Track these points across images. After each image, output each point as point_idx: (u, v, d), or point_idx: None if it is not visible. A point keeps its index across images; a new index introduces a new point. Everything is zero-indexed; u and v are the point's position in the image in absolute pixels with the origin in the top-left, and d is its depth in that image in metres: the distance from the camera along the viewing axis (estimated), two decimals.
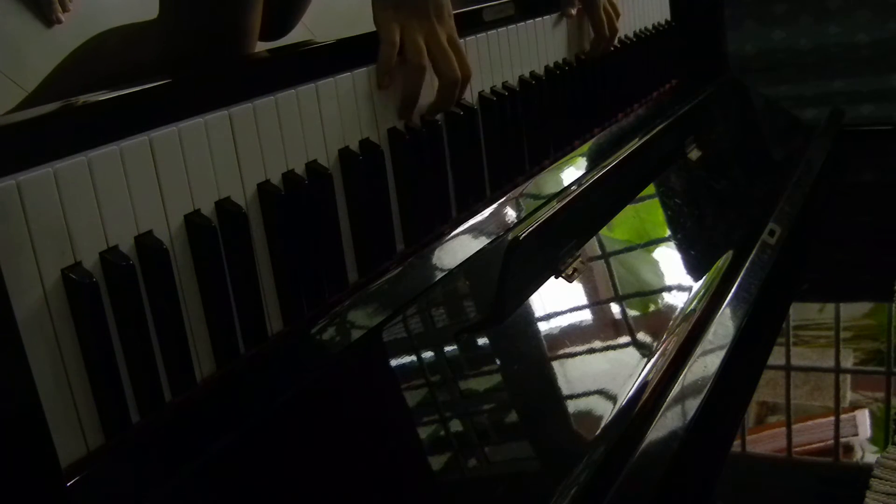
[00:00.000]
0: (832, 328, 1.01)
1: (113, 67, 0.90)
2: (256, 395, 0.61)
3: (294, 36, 1.01)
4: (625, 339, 0.85)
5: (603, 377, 0.77)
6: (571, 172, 1.04)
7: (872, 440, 0.78)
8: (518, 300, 0.79)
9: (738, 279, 0.94)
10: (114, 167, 0.54)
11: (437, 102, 0.82)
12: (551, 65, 1.07)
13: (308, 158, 0.69)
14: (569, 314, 0.82)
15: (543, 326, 0.79)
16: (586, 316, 0.84)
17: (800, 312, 1.04)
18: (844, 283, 1.12)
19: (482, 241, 0.84)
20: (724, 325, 0.86)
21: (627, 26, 1.29)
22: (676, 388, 0.75)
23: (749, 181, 1.33)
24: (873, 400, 0.84)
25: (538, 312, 0.80)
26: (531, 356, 0.76)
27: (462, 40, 0.85)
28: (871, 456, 0.75)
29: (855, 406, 0.83)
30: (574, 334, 0.80)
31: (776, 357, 0.93)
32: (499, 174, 0.94)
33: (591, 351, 0.80)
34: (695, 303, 0.91)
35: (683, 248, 1.04)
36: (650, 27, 1.38)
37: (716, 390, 0.76)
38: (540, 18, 1.05)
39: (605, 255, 0.93)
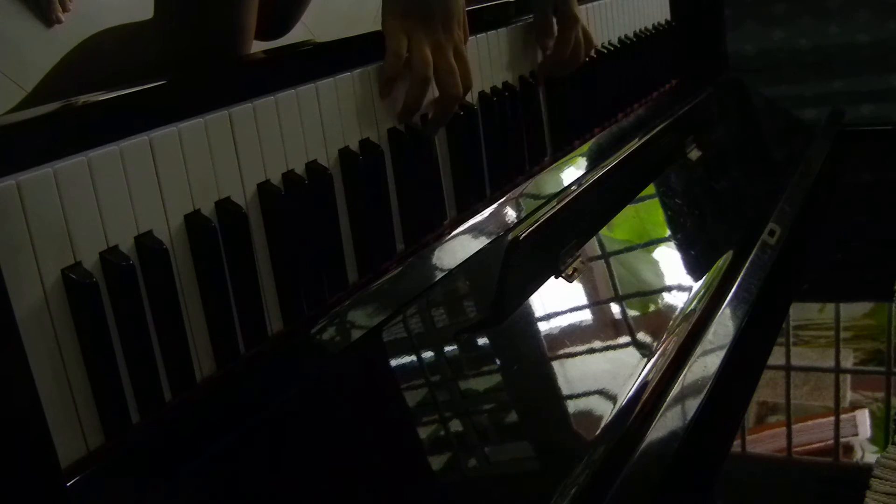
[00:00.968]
0: (832, 328, 1.01)
1: (109, 68, 0.90)
2: (256, 395, 0.61)
3: (294, 36, 1.01)
4: (625, 339, 0.85)
5: (603, 377, 0.77)
6: (571, 172, 1.04)
7: (872, 440, 0.78)
8: (518, 300, 0.79)
9: (738, 279, 0.94)
10: (114, 167, 0.54)
11: (436, 116, 0.81)
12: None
13: (308, 158, 0.69)
14: (569, 314, 0.82)
15: (543, 326, 0.79)
16: (586, 316, 0.84)
17: (800, 312, 1.04)
18: (844, 283, 1.12)
19: (482, 241, 0.84)
20: (724, 325, 0.86)
21: (627, 26, 1.29)
22: (676, 388, 0.75)
23: (749, 181, 1.33)
24: (873, 400, 0.84)
25: (538, 312, 0.80)
26: (531, 356, 0.76)
27: None
28: (871, 456, 0.75)
29: (855, 406, 0.83)
30: (574, 334, 0.80)
31: (776, 357, 0.93)
32: (499, 174, 0.94)
33: (591, 351, 0.80)
34: (695, 303, 0.91)
35: (683, 248, 1.04)
36: (650, 27, 1.38)
37: (716, 390, 0.76)
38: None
39: (605, 255, 0.93)
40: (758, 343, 0.93)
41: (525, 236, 0.78)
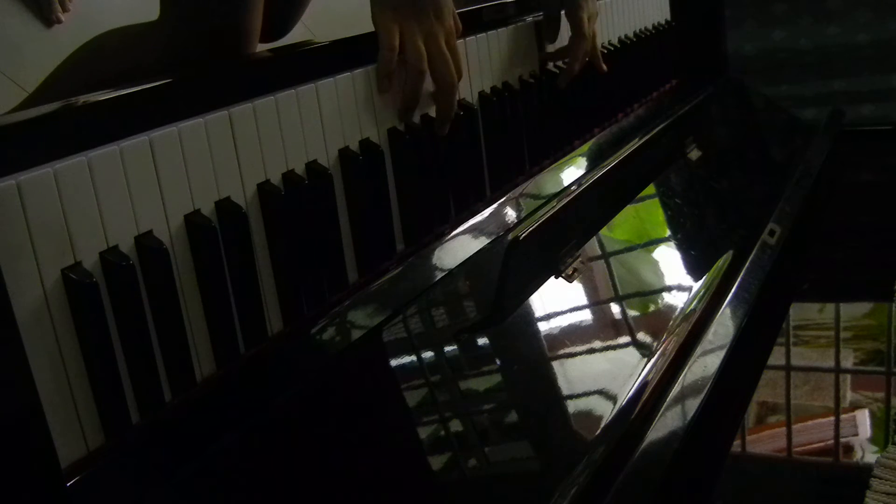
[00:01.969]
0: (832, 328, 1.01)
1: (114, 69, 0.90)
2: (256, 395, 0.61)
3: (294, 36, 1.02)
4: (625, 339, 0.85)
5: (603, 377, 0.77)
6: (571, 172, 1.04)
7: (872, 440, 0.78)
8: (518, 300, 0.79)
9: (738, 279, 0.94)
10: (114, 167, 0.54)
11: (440, 111, 0.81)
12: (551, 65, 1.07)
13: (308, 158, 0.69)
14: (569, 314, 0.82)
15: (543, 326, 0.79)
16: (586, 316, 0.84)
17: (800, 312, 1.04)
18: (844, 283, 1.12)
19: (482, 241, 0.84)
20: (724, 325, 0.86)
21: (627, 26, 1.29)
22: (676, 388, 0.75)
23: (749, 181, 1.33)
24: (873, 400, 0.84)
25: (538, 312, 0.80)
26: (531, 356, 0.76)
27: (462, 40, 0.85)
28: (871, 456, 0.75)
29: (855, 406, 0.83)
30: (574, 334, 0.80)
31: (776, 357, 0.93)
32: (499, 174, 0.94)
33: (591, 351, 0.80)
34: (695, 303, 0.91)
35: (683, 248, 1.04)
36: (650, 27, 1.38)
37: (716, 390, 0.76)
38: (540, 18, 1.05)
39: (605, 255, 0.93)
40: (758, 343, 0.93)
41: (525, 236, 0.78)
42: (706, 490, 0.73)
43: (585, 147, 1.10)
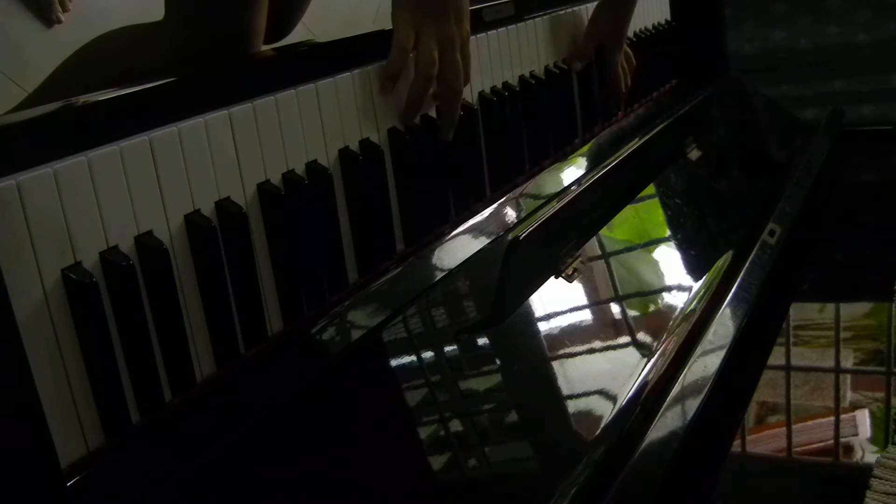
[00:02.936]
0: (832, 328, 1.01)
1: (116, 69, 0.90)
2: (256, 395, 0.61)
3: (294, 36, 1.01)
4: (625, 339, 0.85)
5: (603, 377, 0.77)
6: (571, 172, 1.04)
7: (872, 440, 0.78)
8: (518, 300, 0.79)
9: (738, 279, 0.94)
10: (114, 167, 0.54)
11: (444, 115, 0.80)
12: (551, 65, 1.07)
13: (308, 158, 0.69)
14: (569, 314, 0.82)
15: (543, 326, 0.79)
16: (586, 316, 0.84)
17: (800, 312, 1.04)
18: (844, 283, 1.12)
19: (482, 241, 0.84)
20: (724, 325, 0.86)
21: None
22: (676, 388, 0.75)
23: (749, 181, 1.33)
24: (873, 400, 0.84)
25: (538, 312, 0.80)
26: (531, 356, 0.76)
27: None
28: (871, 456, 0.75)
29: (855, 406, 0.83)
30: (574, 334, 0.80)
31: (776, 357, 0.93)
32: (499, 174, 0.94)
33: (591, 351, 0.80)
34: (695, 303, 0.91)
35: (683, 248, 1.04)
36: (650, 27, 1.38)
37: (716, 390, 0.76)
38: (540, 18, 1.05)
39: (605, 255, 0.93)
40: (758, 343, 0.93)
41: (525, 236, 0.78)
42: (706, 490, 0.73)
43: (585, 147, 1.10)
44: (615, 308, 0.89)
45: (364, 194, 0.74)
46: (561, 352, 0.78)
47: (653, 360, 0.80)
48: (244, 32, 0.88)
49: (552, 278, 0.83)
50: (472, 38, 0.90)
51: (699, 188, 1.20)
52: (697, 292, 0.94)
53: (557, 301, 0.82)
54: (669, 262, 1.01)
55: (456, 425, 0.67)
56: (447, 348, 0.72)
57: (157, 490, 0.52)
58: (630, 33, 1.29)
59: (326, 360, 0.67)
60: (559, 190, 0.98)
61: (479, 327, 0.75)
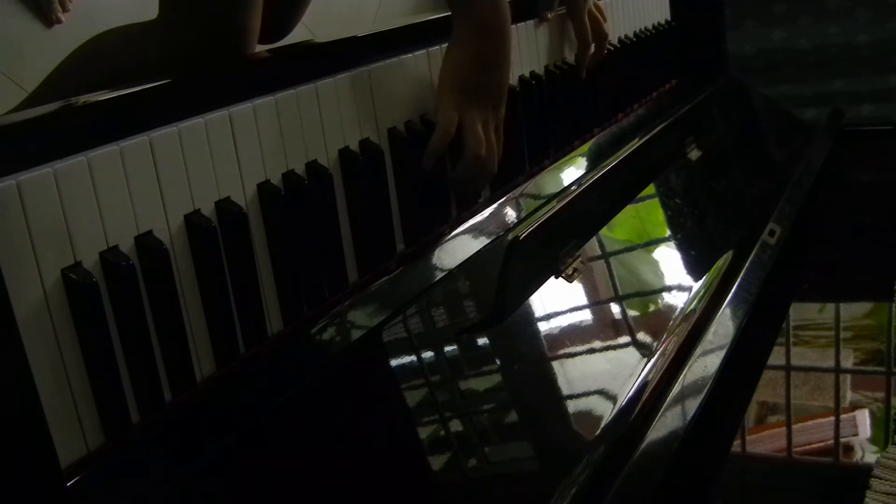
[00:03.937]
0: (832, 328, 1.01)
1: (113, 68, 0.90)
2: (256, 395, 0.61)
3: (294, 36, 1.01)
4: (625, 339, 0.85)
5: (603, 377, 0.77)
6: (571, 172, 1.04)
7: (872, 440, 0.78)
8: (518, 300, 0.79)
9: (738, 279, 0.94)
10: (114, 167, 0.54)
11: (466, 177, 0.82)
12: (551, 65, 1.07)
13: (308, 158, 0.69)
14: (569, 314, 0.82)
15: (543, 326, 0.79)
16: (586, 316, 0.84)
17: (800, 312, 1.04)
18: (844, 283, 1.12)
19: (482, 241, 0.84)
20: (724, 325, 0.86)
21: (627, 26, 1.29)
22: (676, 388, 0.75)
23: (749, 181, 1.33)
24: (873, 400, 0.84)
25: (538, 312, 0.80)
26: (531, 356, 0.76)
27: None
28: (871, 456, 0.75)
29: (855, 406, 0.83)
30: (574, 334, 0.80)
31: (776, 357, 0.93)
32: (499, 174, 0.93)
33: (591, 351, 0.80)
34: (695, 303, 0.91)
35: (683, 248, 1.04)
36: (650, 27, 1.38)
37: (716, 390, 0.76)
38: (539, 18, 1.05)
39: (605, 255, 0.93)
40: (758, 343, 0.93)
41: (525, 236, 0.78)
42: (706, 490, 0.73)
43: (585, 147, 1.10)
44: (615, 308, 0.89)
45: (364, 194, 0.74)
46: (561, 352, 0.78)
47: (653, 360, 0.80)
48: (238, 31, 0.88)
49: (552, 278, 0.83)
50: None
51: (699, 188, 1.20)
52: (697, 292, 0.94)
53: (557, 301, 0.82)
54: (669, 262, 1.01)
55: (456, 425, 0.67)
56: (447, 348, 0.72)
57: (157, 490, 0.52)
58: (630, 33, 1.29)
59: (326, 360, 0.67)
60: (559, 190, 0.98)
61: (479, 327, 0.75)
